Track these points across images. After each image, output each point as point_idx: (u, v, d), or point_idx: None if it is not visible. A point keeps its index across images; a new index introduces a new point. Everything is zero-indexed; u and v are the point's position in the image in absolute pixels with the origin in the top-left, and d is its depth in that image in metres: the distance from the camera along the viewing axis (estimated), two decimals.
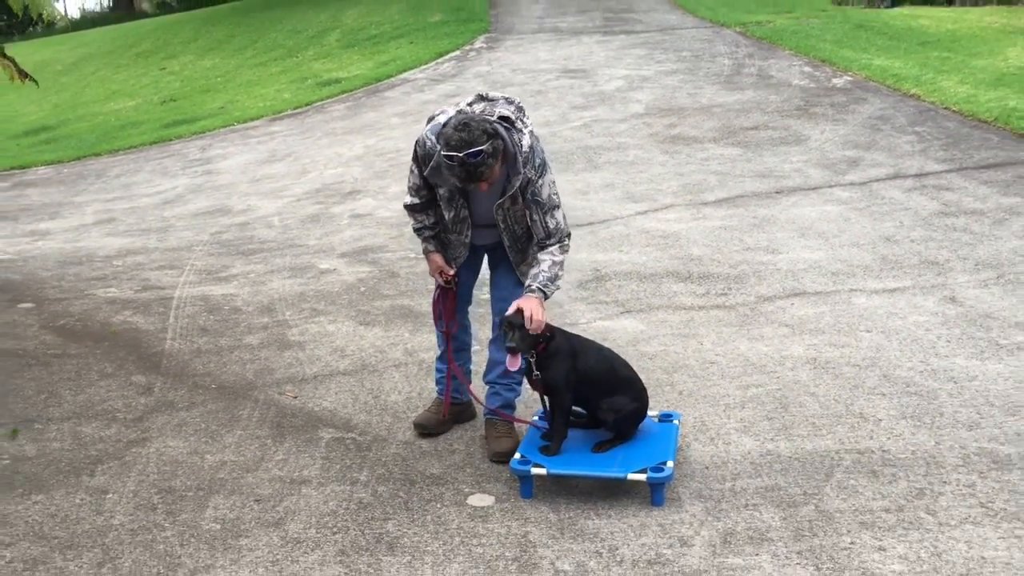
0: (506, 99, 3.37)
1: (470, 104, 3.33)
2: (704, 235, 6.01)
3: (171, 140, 11.46)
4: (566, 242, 3.41)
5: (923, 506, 3.06)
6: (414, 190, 3.52)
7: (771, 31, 13.16)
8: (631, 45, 13.48)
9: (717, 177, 7.25)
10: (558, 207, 3.36)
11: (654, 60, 12.20)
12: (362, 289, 5.57)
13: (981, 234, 5.61)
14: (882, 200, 6.37)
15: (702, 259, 5.60)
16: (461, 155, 3.04)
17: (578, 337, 3.50)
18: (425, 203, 3.52)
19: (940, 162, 7.09)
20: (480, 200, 3.38)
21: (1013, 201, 6.10)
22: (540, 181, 3.29)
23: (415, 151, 3.44)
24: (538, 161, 3.28)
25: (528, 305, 3.22)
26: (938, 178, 6.73)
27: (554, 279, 3.34)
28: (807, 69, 10.81)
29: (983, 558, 2.78)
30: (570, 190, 7.16)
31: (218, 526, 3.14)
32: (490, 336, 3.74)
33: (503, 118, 3.23)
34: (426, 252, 3.65)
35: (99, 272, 6.34)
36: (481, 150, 3.05)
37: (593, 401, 3.38)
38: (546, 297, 3.31)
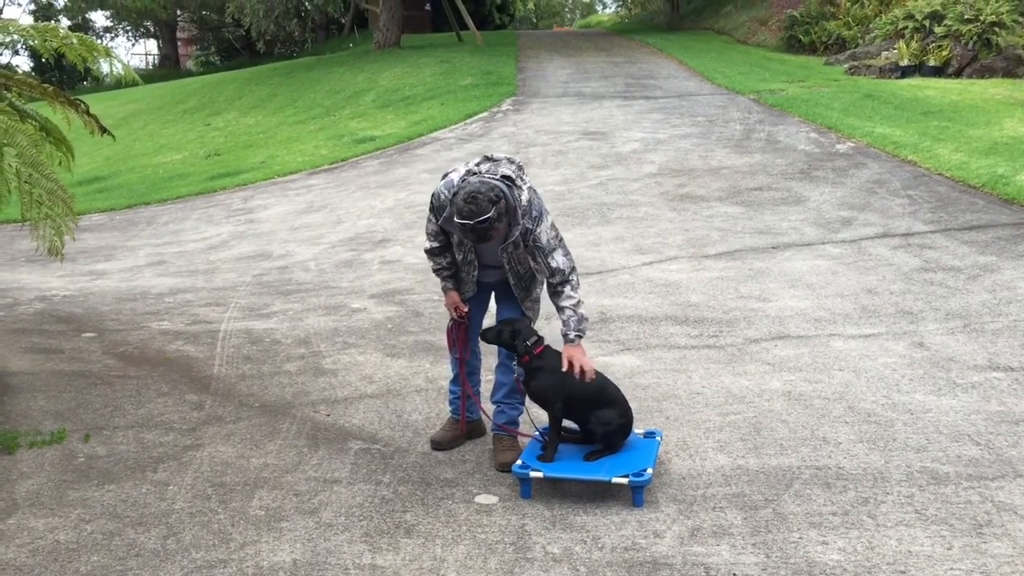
0: (508, 159, 3.97)
1: (477, 164, 3.92)
2: (702, 284, 6.57)
3: (216, 191, 12.23)
4: (573, 279, 3.91)
5: (866, 511, 3.56)
6: (432, 235, 4.13)
7: (783, 99, 13.82)
8: (649, 110, 14.20)
9: (719, 233, 7.83)
10: (557, 248, 3.89)
11: (670, 124, 12.89)
12: (389, 326, 6.17)
13: (955, 288, 6.12)
14: (869, 256, 6.91)
15: (699, 305, 6.16)
16: (472, 223, 3.62)
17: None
18: (442, 247, 4.12)
19: (927, 223, 7.63)
20: (487, 246, 3.96)
21: (989, 259, 6.62)
22: (538, 229, 3.83)
23: (431, 203, 4.04)
24: (535, 212, 3.84)
25: (575, 355, 3.87)
26: (923, 237, 7.27)
27: (581, 321, 3.92)
28: (813, 135, 11.43)
29: (910, 552, 3.27)
30: (583, 242, 7.77)
31: (262, 512, 3.71)
32: (495, 363, 4.32)
33: (505, 177, 3.80)
34: (444, 289, 4.27)
35: (152, 307, 7.00)
36: (488, 217, 3.60)
37: (584, 415, 3.95)
38: (582, 338, 3.93)
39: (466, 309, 4.22)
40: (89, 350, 5.94)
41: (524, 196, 3.82)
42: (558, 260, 3.90)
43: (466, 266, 4.12)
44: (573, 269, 3.95)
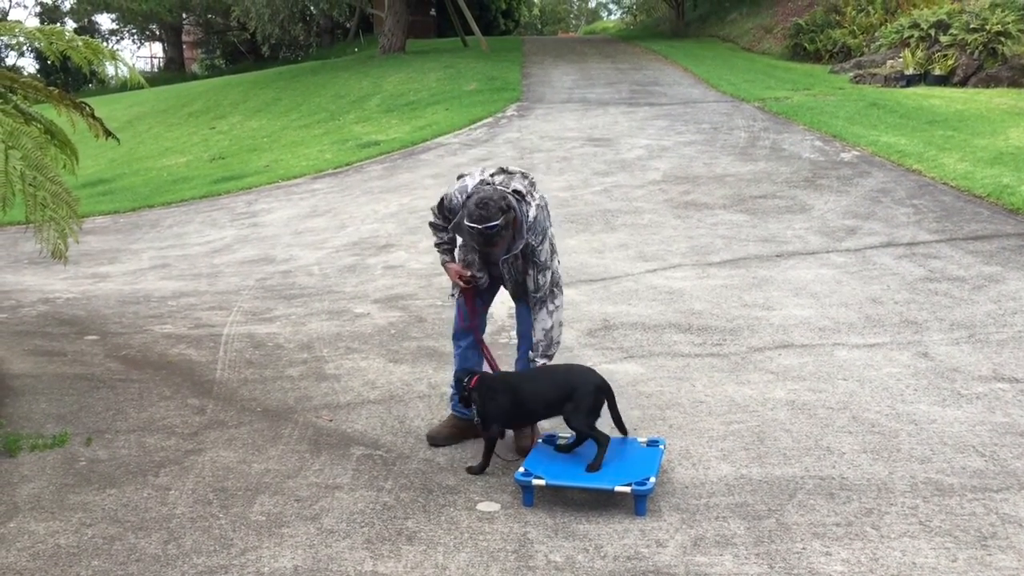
0: (522, 174, 4.03)
1: (492, 175, 3.99)
2: (706, 292, 6.55)
3: (220, 195, 12.25)
4: (558, 301, 4.09)
5: (870, 522, 3.54)
6: (436, 213, 4.21)
7: (788, 107, 13.82)
8: (654, 116, 14.21)
9: (723, 240, 7.82)
10: (549, 269, 4.04)
11: (675, 131, 12.89)
12: (392, 331, 6.16)
13: (960, 298, 6.10)
14: (873, 265, 6.89)
15: (702, 313, 6.15)
16: (480, 227, 3.73)
17: (514, 375, 4.26)
18: (445, 223, 4.20)
19: (932, 233, 7.61)
20: (491, 252, 4.05)
21: (993, 269, 6.60)
22: (540, 247, 3.97)
23: (440, 201, 4.14)
24: (539, 229, 3.95)
25: None
26: (928, 247, 7.25)
27: (551, 345, 4.11)
28: (818, 143, 11.42)
29: (914, 563, 3.25)
30: (587, 249, 7.76)
31: (264, 518, 3.70)
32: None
33: (516, 191, 3.89)
34: (444, 264, 4.32)
35: (155, 311, 7.00)
36: (496, 224, 3.73)
37: (551, 415, 4.06)
38: (550, 360, 4.11)
39: (469, 273, 4.21)
40: (92, 353, 5.93)
41: (532, 212, 3.93)
42: (547, 278, 4.06)
43: (463, 262, 4.23)
44: (559, 290, 4.11)
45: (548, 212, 4.08)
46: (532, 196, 3.95)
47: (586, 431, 3.94)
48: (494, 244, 3.82)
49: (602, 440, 3.92)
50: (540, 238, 3.95)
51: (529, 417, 4.16)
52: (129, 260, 9.14)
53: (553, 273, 4.07)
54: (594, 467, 3.88)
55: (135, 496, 3.90)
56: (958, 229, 7.66)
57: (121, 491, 3.95)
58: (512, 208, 3.80)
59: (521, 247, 3.94)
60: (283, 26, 27.20)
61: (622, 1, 51.94)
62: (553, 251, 4.08)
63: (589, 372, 4.05)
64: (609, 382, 4.06)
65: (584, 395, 3.94)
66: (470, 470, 4.08)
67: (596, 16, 63.38)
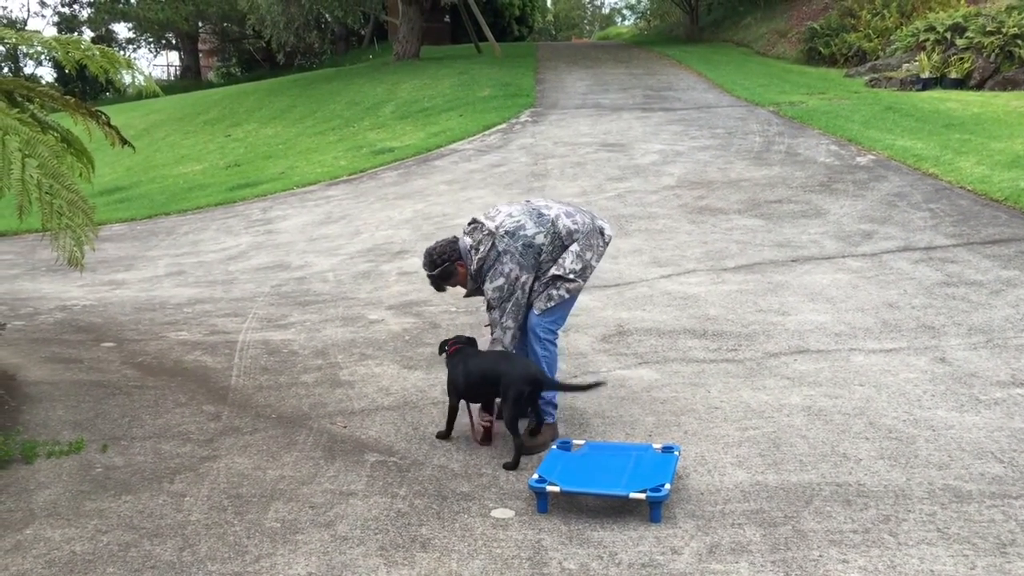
0: (492, 228, 4.35)
1: (465, 228, 4.51)
2: (721, 297, 6.53)
3: (235, 202, 12.31)
4: (502, 330, 4.39)
5: (887, 529, 3.51)
6: None
7: (803, 111, 13.76)
8: (668, 121, 14.18)
9: (738, 246, 7.79)
10: (496, 308, 4.38)
11: (689, 136, 12.86)
12: (407, 338, 6.16)
13: (978, 303, 6.05)
14: (890, 270, 6.85)
15: (717, 319, 6.12)
16: (425, 272, 4.51)
17: (475, 353, 4.49)
18: None
19: (949, 237, 7.56)
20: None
21: (1012, 274, 6.54)
22: (488, 286, 4.35)
23: None
24: (487, 271, 4.33)
25: None
26: (945, 251, 7.20)
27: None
28: (833, 147, 11.37)
29: (932, 571, 3.22)
30: None
31: (278, 524, 3.70)
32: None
33: (474, 244, 4.37)
34: None
35: (171, 318, 7.03)
36: (432, 274, 4.44)
37: (491, 397, 4.38)
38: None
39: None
40: (108, 360, 5.96)
41: (477, 259, 4.35)
42: (494, 316, 4.43)
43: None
44: (503, 328, 4.39)
45: (518, 254, 4.30)
46: (486, 245, 4.32)
47: (507, 423, 4.16)
48: (438, 287, 4.54)
49: (515, 443, 4.16)
50: (489, 279, 4.33)
51: (474, 396, 4.43)
52: (145, 267, 9.19)
53: (504, 313, 4.36)
54: (510, 466, 4.12)
55: (150, 503, 3.91)
56: (975, 233, 7.60)
57: (137, 498, 3.96)
58: (448, 260, 4.37)
59: (475, 287, 4.46)
60: (298, 34, 27.30)
61: (636, 6, 51.93)
62: (508, 296, 4.32)
63: (524, 365, 4.27)
64: (540, 379, 4.24)
65: (509, 385, 4.17)
66: (439, 435, 4.50)
67: (610, 22, 63.36)
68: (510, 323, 4.39)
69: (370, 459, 4.32)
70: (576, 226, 4.42)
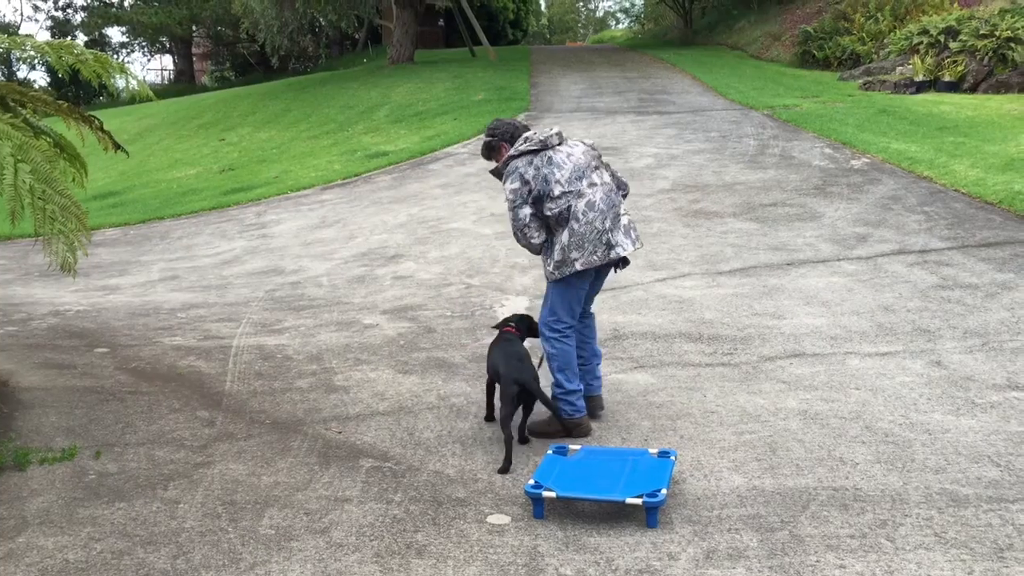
0: (545, 137, 4.50)
1: (546, 131, 4.57)
2: (717, 301, 6.52)
3: (229, 206, 12.27)
4: (516, 235, 4.56)
5: (884, 534, 3.50)
6: None
7: (797, 114, 13.78)
8: (663, 125, 14.18)
9: (733, 249, 7.79)
10: (510, 211, 4.50)
11: (683, 140, 12.86)
12: (401, 342, 6.14)
13: (973, 306, 6.06)
14: (885, 273, 6.85)
15: (713, 322, 6.11)
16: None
17: (507, 342, 4.59)
18: None
19: (944, 240, 7.57)
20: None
21: (1007, 277, 6.55)
22: (505, 187, 4.52)
23: None
24: (507, 175, 4.49)
25: None
26: (940, 254, 7.20)
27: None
28: (828, 151, 11.38)
29: (930, 575, 3.22)
30: None
31: (273, 531, 3.68)
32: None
33: (525, 136, 4.53)
34: None
35: (165, 323, 7.00)
36: (484, 139, 4.69)
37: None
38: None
39: None
40: (101, 365, 5.93)
41: (508, 155, 4.53)
42: (510, 217, 4.56)
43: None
44: (515, 230, 4.54)
45: (527, 170, 4.42)
46: (519, 150, 4.48)
47: (500, 420, 4.32)
48: (485, 155, 4.73)
49: (506, 435, 4.23)
50: (506, 181, 4.48)
51: (495, 378, 4.54)
52: (139, 272, 9.16)
53: (513, 218, 4.50)
54: (501, 470, 4.16)
55: (144, 510, 3.89)
56: (970, 236, 7.61)
57: (130, 505, 3.94)
58: (497, 138, 4.59)
59: (492, 169, 4.70)
60: (292, 38, 27.32)
61: (630, 10, 52.03)
62: (519, 203, 4.44)
63: (518, 367, 4.37)
64: (533, 382, 4.34)
65: (502, 383, 4.36)
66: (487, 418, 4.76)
67: (604, 25, 63.47)
68: (519, 237, 4.56)
69: (365, 465, 4.30)
70: (583, 219, 4.39)
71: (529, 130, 4.61)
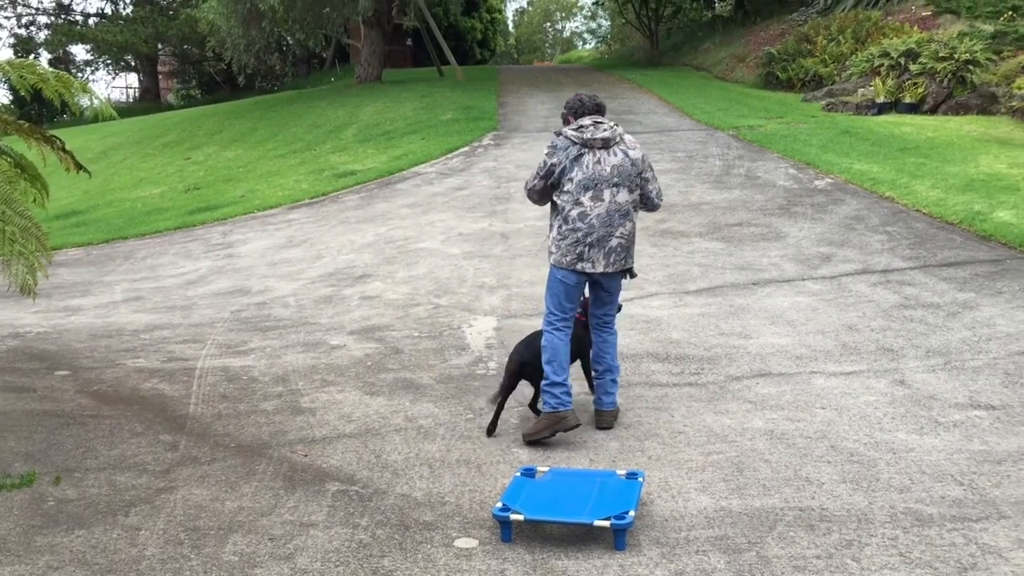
0: (591, 136, 4.68)
1: (599, 119, 4.78)
2: (684, 321, 6.55)
3: (195, 226, 12.15)
4: (525, 189, 4.92)
5: (850, 554, 3.52)
6: None
7: (762, 135, 13.93)
8: None
9: (700, 269, 7.84)
10: (533, 171, 4.80)
11: (650, 159, 12.91)
12: (369, 363, 6.10)
13: (935, 325, 6.14)
14: (849, 293, 6.92)
15: (680, 342, 6.14)
16: None
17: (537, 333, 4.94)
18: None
19: (906, 259, 7.67)
20: None
21: (968, 296, 6.65)
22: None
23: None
24: (550, 143, 4.76)
25: None
26: (902, 274, 7.30)
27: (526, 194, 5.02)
28: (792, 171, 11.51)
29: None
30: None
31: (236, 558, 3.62)
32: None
33: (576, 125, 4.76)
34: None
35: (128, 344, 6.90)
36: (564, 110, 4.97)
37: None
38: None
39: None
40: (62, 389, 5.83)
41: (564, 129, 4.77)
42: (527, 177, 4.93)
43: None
44: (527, 188, 4.87)
45: (558, 152, 4.67)
46: (567, 133, 4.71)
47: (501, 386, 4.88)
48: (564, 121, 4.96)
49: (497, 402, 4.84)
50: (547, 146, 4.77)
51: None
52: (102, 293, 9.03)
53: (529, 178, 4.83)
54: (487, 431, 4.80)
55: (104, 537, 3.81)
56: (932, 256, 7.72)
57: (90, 532, 3.86)
58: (566, 111, 4.90)
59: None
60: (259, 56, 27.16)
61: (597, 31, 52.48)
62: (536, 177, 4.76)
63: (527, 344, 4.91)
64: (534, 360, 4.77)
65: (510, 358, 4.94)
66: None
67: (571, 45, 63.91)
68: (527, 192, 4.92)
69: (331, 488, 4.26)
70: (570, 224, 4.64)
71: (600, 112, 4.82)
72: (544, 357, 4.72)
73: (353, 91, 23.41)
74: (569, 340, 4.77)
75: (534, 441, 4.64)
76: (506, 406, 4.92)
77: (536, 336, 4.91)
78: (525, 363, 4.83)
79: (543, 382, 4.71)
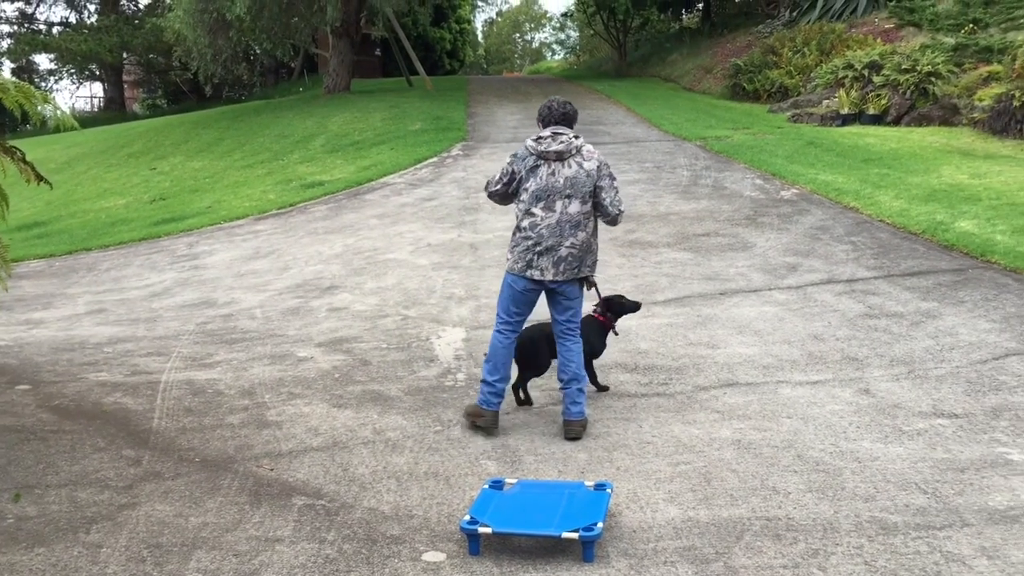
0: (557, 133, 4.84)
1: (570, 136, 4.87)
2: (652, 331, 6.57)
3: (160, 237, 12.02)
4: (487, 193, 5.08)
5: (816, 563, 3.54)
6: None
7: (729, 146, 14.06)
8: None
9: (668, 279, 7.88)
10: (493, 180, 4.97)
11: (618, 170, 12.95)
12: (336, 376, 6.06)
13: (899, 334, 6.21)
14: (814, 303, 6.99)
15: (648, 352, 6.16)
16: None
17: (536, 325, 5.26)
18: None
19: (870, 269, 7.76)
20: None
21: (931, 305, 6.73)
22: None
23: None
24: (508, 158, 4.94)
25: None
26: (867, 284, 7.38)
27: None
28: (759, 182, 11.62)
29: None
30: None
31: (200, 575, 3.57)
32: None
33: (538, 136, 4.88)
34: None
35: (91, 358, 6.80)
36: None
37: None
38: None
39: None
40: (23, 403, 5.73)
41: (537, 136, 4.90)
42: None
43: None
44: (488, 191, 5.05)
45: (517, 161, 4.85)
46: (530, 141, 4.86)
47: None
48: None
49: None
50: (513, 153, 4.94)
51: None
52: (64, 305, 8.90)
53: (490, 180, 5.02)
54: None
55: (65, 555, 3.74)
56: (895, 265, 7.82)
57: (50, 550, 3.78)
58: (537, 118, 5.01)
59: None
60: (226, 66, 27.00)
61: (566, 42, 52.74)
62: (500, 180, 4.93)
63: (534, 330, 5.21)
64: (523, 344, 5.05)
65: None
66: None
67: (540, 56, 64.20)
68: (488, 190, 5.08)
69: (297, 503, 4.21)
70: (522, 232, 4.84)
71: (567, 119, 4.91)
72: (486, 356, 4.96)
73: (321, 101, 23.33)
74: (513, 344, 4.97)
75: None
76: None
77: (534, 328, 5.24)
78: (521, 348, 5.11)
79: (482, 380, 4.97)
